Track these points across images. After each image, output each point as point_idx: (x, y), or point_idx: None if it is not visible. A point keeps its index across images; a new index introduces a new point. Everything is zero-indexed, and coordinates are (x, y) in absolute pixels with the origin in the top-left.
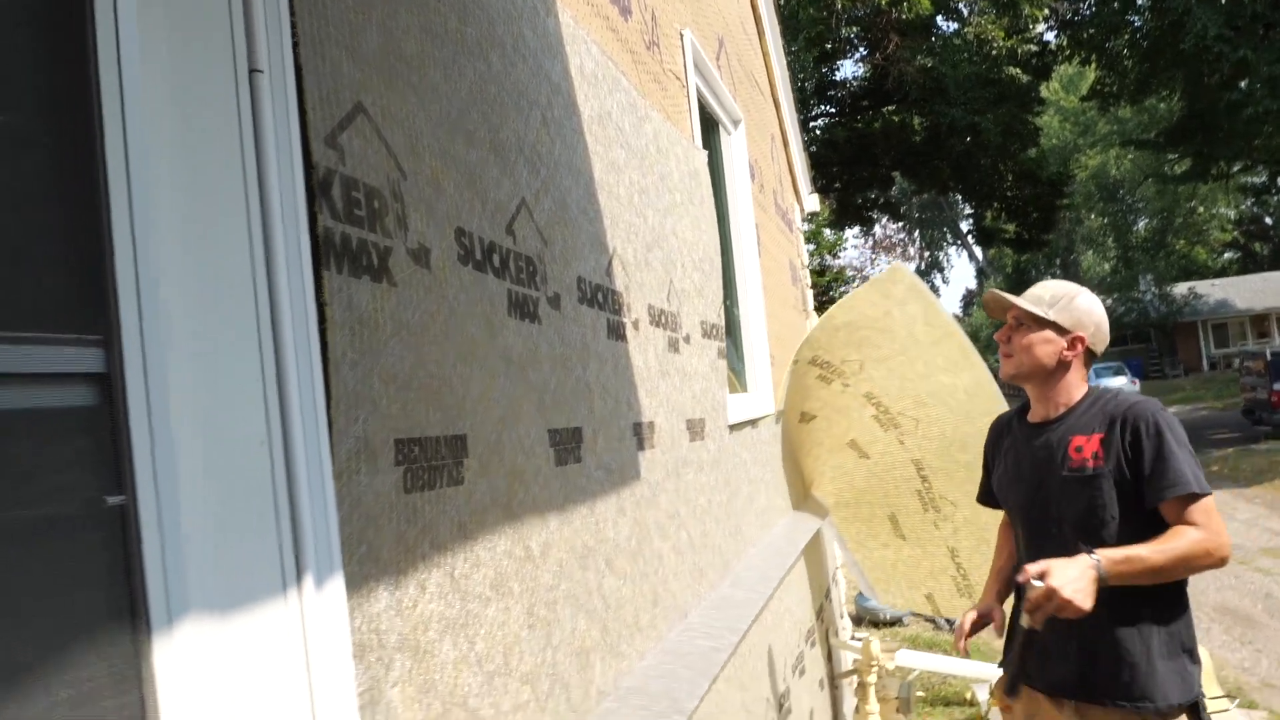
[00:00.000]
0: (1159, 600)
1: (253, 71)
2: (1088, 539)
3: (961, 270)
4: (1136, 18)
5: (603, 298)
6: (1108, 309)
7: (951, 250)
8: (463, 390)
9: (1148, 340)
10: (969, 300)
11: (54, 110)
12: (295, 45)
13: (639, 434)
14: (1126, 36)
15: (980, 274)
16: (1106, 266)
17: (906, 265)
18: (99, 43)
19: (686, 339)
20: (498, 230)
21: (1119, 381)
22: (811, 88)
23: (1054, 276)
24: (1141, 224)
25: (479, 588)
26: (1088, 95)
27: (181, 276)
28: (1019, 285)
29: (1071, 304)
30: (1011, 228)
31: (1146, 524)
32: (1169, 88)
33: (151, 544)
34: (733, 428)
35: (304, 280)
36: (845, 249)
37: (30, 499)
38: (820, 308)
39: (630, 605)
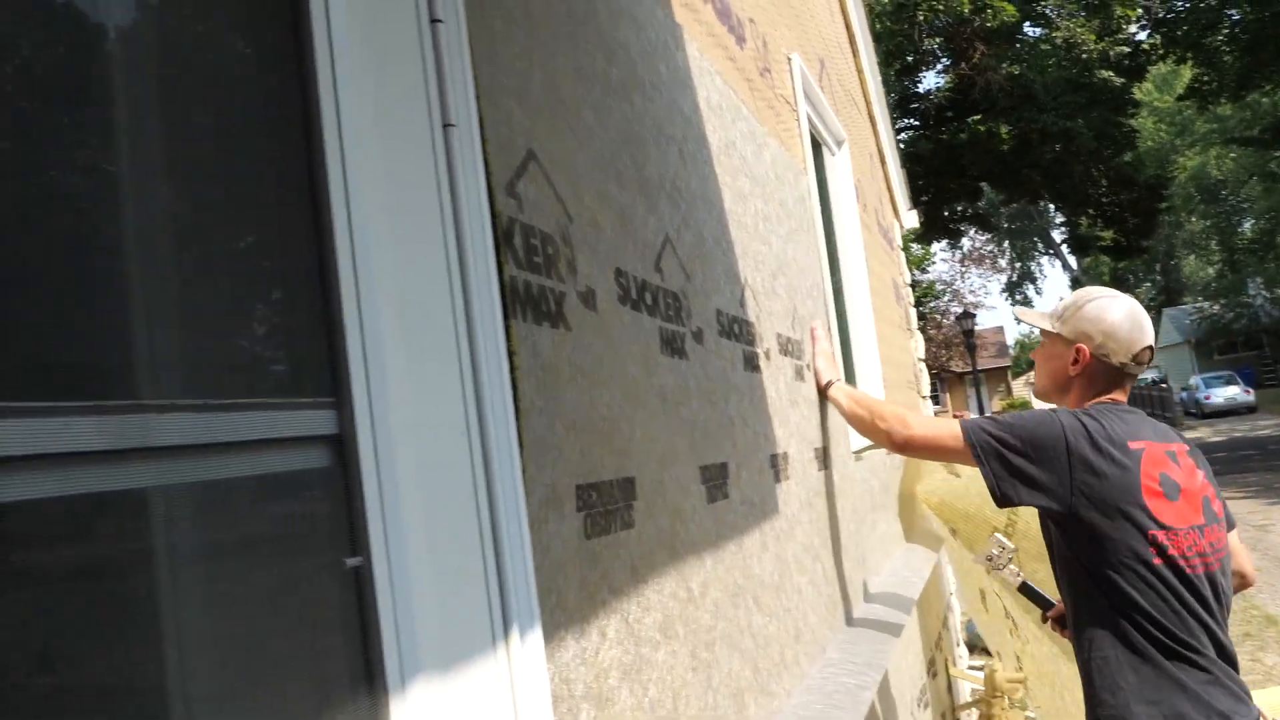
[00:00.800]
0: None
1: (446, 126)
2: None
3: (1055, 281)
4: (1235, 10)
5: (738, 329)
6: (1213, 315)
7: (1044, 260)
8: (629, 431)
9: (1259, 347)
10: None
11: (285, 181)
12: (477, 97)
13: (775, 466)
14: (1225, 31)
15: (1075, 283)
16: (1211, 271)
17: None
18: (324, 127)
19: (808, 366)
20: (647, 268)
21: (1231, 390)
22: (893, 101)
23: (1155, 284)
24: (1247, 225)
25: (649, 632)
26: (1184, 94)
27: (399, 336)
28: None
29: (1078, 313)
30: (1108, 234)
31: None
32: (1273, 81)
33: (385, 605)
34: (856, 454)
35: (496, 330)
36: (934, 263)
37: (278, 559)
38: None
39: (776, 643)
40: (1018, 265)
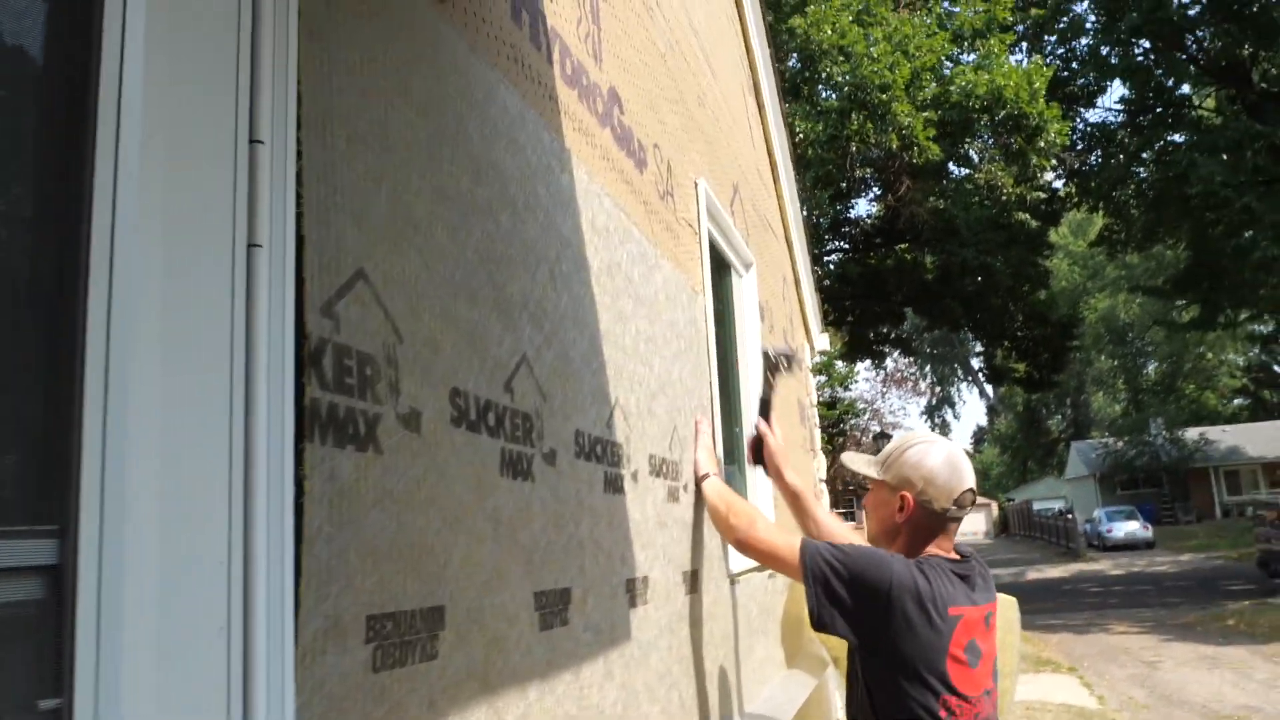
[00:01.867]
0: None
1: (251, 247)
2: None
3: (974, 406)
4: (1142, 169)
5: (601, 450)
6: (1117, 451)
7: (963, 386)
8: (445, 557)
9: (1159, 485)
10: (980, 437)
11: (41, 288)
12: (299, 216)
13: (632, 590)
14: (1132, 186)
15: (991, 411)
16: (1117, 409)
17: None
18: (94, 230)
19: (686, 488)
20: (495, 388)
21: (1132, 526)
22: (826, 223)
23: (1065, 417)
24: (1151, 367)
25: None
26: (1096, 241)
27: (151, 458)
28: (1029, 424)
29: (899, 460)
30: (1022, 367)
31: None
32: (1175, 235)
33: None
34: (734, 577)
35: (284, 453)
36: (857, 382)
37: None
38: (830, 441)
39: None
40: (938, 389)
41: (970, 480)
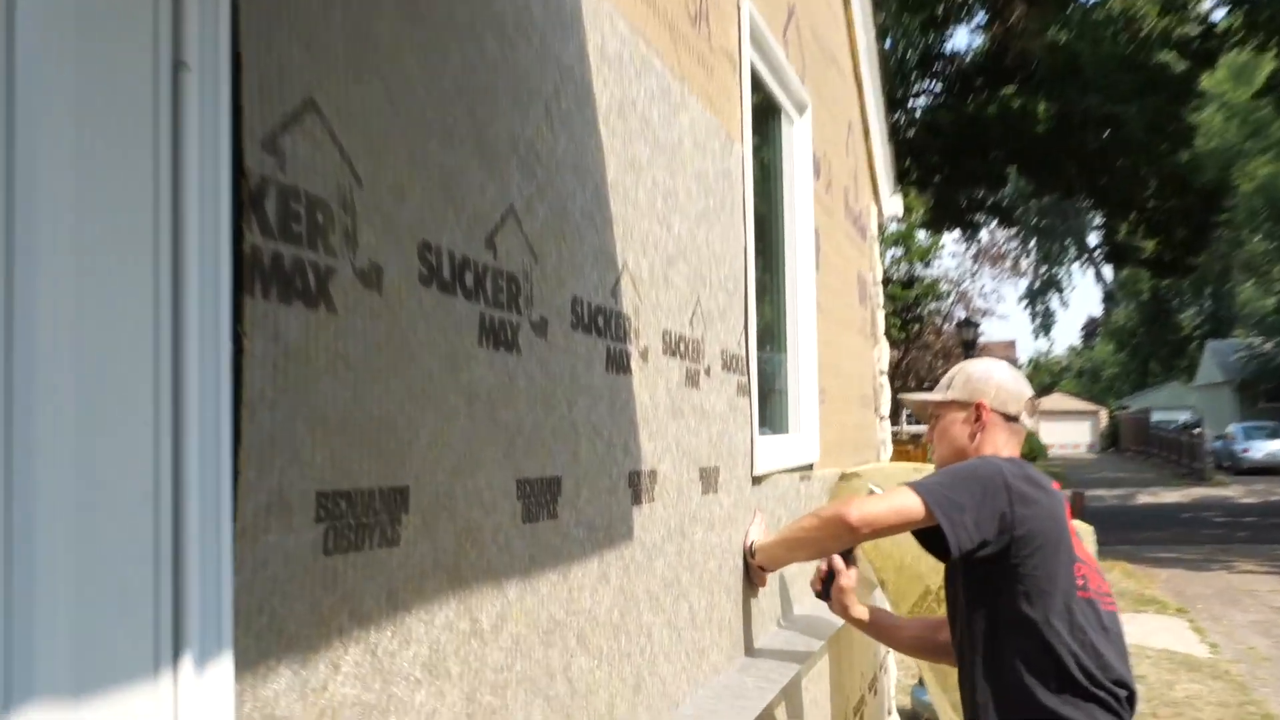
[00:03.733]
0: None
1: (178, 66)
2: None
3: (1086, 293)
4: None
5: (604, 322)
6: (1264, 355)
7: (1074, 267)
8: (410, 434)
9: None
10: (1091, 330)
11: None
12: (235, 36)
13: (636, 485)
14: None
15: (1108, 299)
16: (1269, 302)
17: None
18: None
19: (707, 371)
20: (475, 244)
21: (1274, 446)
22: (914, 59)
23: (1201, 310)
24: None
25: (408, 667)
26: (1262, 90)
27: (64, 308)
28: (1155, 317)
29: (966, 376)
30: (1151, 245)
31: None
32: None
33: None
34: (758, 479)
35: (219, 306)
36: (941, 257)
37: None
38: (904, 328)
39: (604, 691)
40: (1042, 270)
41: (1031, 390)
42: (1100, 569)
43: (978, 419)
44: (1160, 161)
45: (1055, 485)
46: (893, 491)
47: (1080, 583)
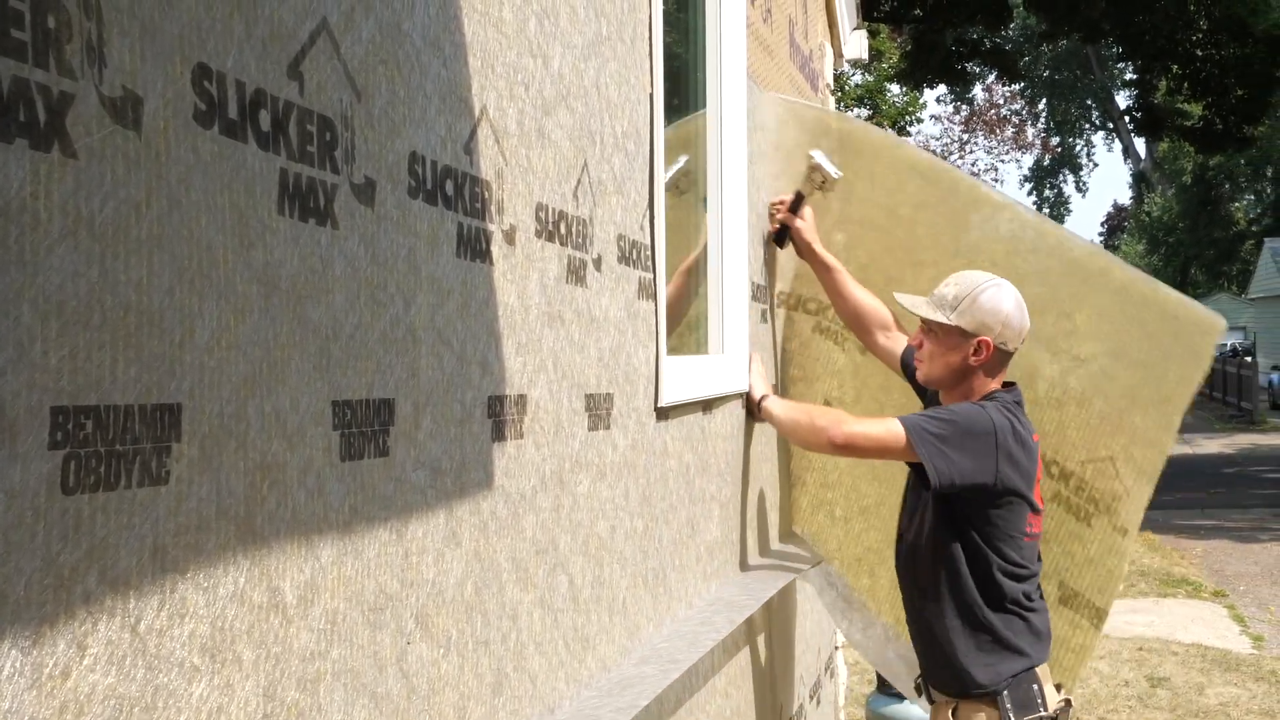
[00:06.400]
0: (960, 604)
1: None
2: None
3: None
4: None
5: (454, 188)
6: None
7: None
8: (183, 332)
9: None
10: (1117, 223)
11: None
12: None
13: (498, 414)
14: None
15: (1140, 181)
16: None
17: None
18: None
19: (597, 262)
20: (273, 71)
21: None
22: None
23: (1261, 198)
24: None
25: (181, 651)
26: None
27: None
28: (1200, 206)
29: (974, 304)
30: (1197, 109)
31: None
32: None
33: None
34: (665, 411)
35: None
36: (922, 119)
37: None
38: None
39: (453, 690)
40: (1056, 142)
41: (1029, 321)
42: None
43: (977, 354)
44: None
45: (1035, 437)
46: (882, 422)
47: (1029, 529)
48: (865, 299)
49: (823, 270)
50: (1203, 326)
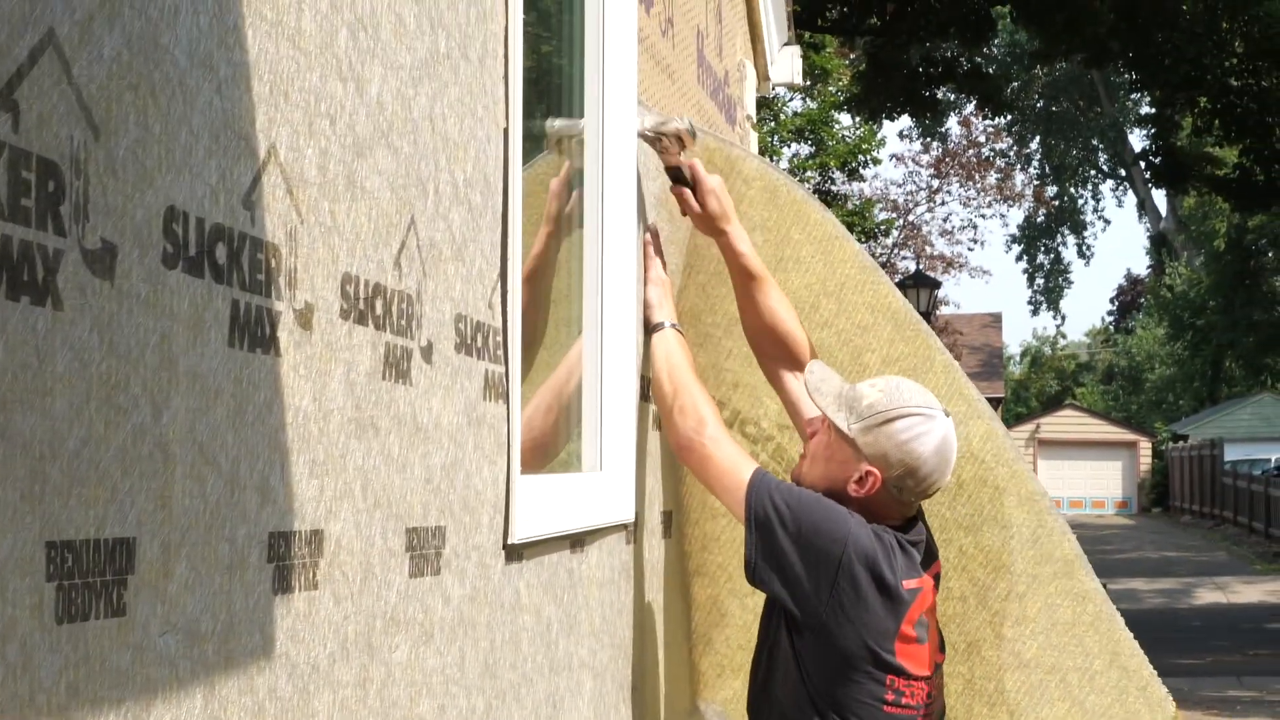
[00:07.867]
0: None
1: None
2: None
3: (1122, 232)
4: None
5: (228, 255)
6: None
7: (1105, 189)
8: None
9: None
10: (1129, 300)
11: None
12: None
13: (283, 558)
14: None
15: (1159, 245)
16: None
17: None
18: None
19: (426, 351)
20: None
21: None
22: None
23: None
24: None
25: None
26: None
27: None
28: (1235, 276)
29: (885, 427)
30: (1232, 155)
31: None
32: None
33: None
34: (518, 550)
35: None
36: (880, 160)
37: None
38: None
39: None
40: (1052, 193)
41: (951, 472)
42: (943, 656)
43: (860, 484)
44: (1245, 9)
45: (926, 579)
46: (744, 457)
47: (890, 697)
48: (785, 321)
49: (739, 273)
50: None
